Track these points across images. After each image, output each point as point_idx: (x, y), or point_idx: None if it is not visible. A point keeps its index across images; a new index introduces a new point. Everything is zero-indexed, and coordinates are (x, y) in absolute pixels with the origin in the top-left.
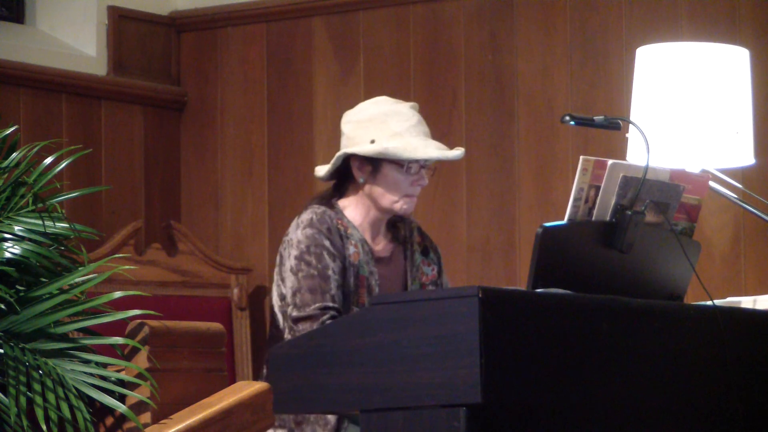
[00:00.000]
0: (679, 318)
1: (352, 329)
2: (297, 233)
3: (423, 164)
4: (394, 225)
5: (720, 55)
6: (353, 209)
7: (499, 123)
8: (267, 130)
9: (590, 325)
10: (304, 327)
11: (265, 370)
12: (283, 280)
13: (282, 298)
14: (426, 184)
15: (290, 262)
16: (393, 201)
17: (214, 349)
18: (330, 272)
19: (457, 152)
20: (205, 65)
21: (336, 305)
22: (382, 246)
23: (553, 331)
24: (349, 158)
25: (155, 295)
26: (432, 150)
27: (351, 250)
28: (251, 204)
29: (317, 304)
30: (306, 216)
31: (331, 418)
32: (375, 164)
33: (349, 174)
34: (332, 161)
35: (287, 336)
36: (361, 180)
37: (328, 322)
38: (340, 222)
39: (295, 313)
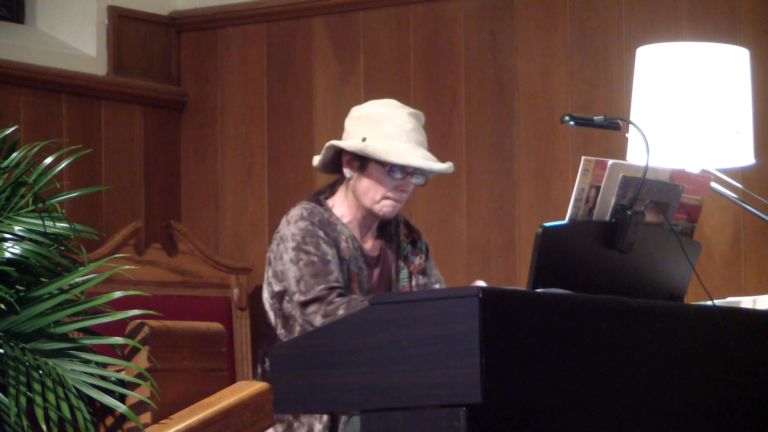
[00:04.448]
0: (679, 318)
1: (352, 329)
2: (289, 228)
3: (411, 172)
4: (382, 225)
5: (720, 55)
6: (342, 206)
7: (499, 123)
8: (267, 130)
9: (590, 325)
10: (312, 309)
11: (259, 369)
12: (277, 277)
13: (273, 296)
14: (410, 191)
15: (288, 255)
16: (374, 201)
17: (214, 349)
18: (330, 257)
19: (444, 165)
20: (205, 65)
21: (340, 284)
22: (371, 245)
23: (553, 331)
24: (341, 153)
25: (155, 295)
26: (416, 158)
27: (342, 244)
28: (251, 204)
29: (322, 286)
30: (295, 212)
31: None
32: (362, 162)
33: (342, 169)
34: (323, 151)
35: (297, 327)
36: (348, 175)
37: (337, 299)
38: (330, 218)
39: (302, 299)
